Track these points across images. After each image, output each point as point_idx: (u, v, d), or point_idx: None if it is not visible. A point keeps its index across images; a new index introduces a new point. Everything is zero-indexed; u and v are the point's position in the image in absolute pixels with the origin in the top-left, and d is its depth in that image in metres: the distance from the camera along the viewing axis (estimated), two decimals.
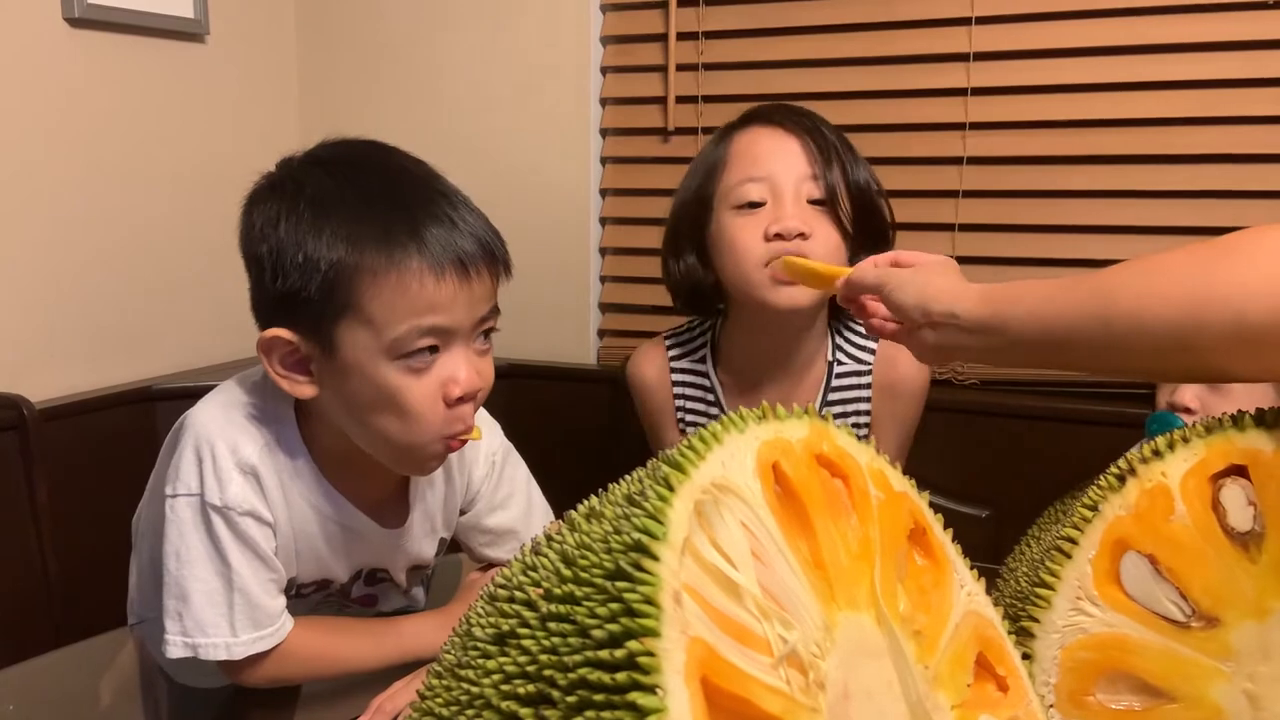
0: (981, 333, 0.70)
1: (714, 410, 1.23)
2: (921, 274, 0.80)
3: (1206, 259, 0.57)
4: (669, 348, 1.27)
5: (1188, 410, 1.11)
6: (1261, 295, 0.53)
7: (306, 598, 0.96)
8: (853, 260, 1.11)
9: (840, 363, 1.21)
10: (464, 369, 0.82)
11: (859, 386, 1.21)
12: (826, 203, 1.10)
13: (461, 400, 0.82)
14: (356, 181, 0.84)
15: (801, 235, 1.07)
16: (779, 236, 1.07)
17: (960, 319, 0.72)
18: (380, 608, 1.02)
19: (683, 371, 1.24)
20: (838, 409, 1.21)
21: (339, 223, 0.79)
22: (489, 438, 0.99)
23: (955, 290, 0.75)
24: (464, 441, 0.85)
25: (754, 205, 1.09)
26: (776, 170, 1.09)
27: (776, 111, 1.14)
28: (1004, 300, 0.70)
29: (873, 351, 1.22)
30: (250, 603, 0.85)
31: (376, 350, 0.79)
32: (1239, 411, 0.55)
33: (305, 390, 0.83)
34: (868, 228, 1.14)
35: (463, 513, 1.01)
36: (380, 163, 0.89)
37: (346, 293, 0.78)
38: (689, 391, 1.24)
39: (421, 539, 0.97)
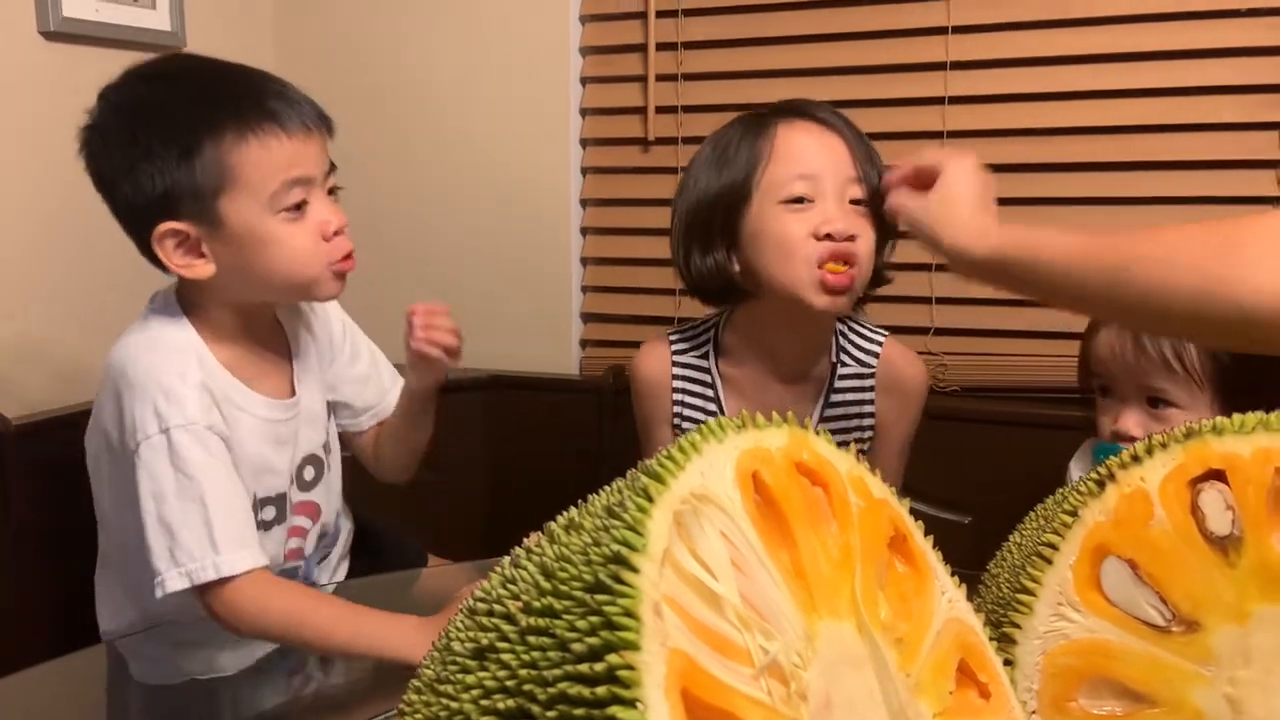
0: (989, 275, 0.74)
1: (711, 406, 1.22)
2: (942, 203, 0.84)
3: (1218, 248, 0.59)
4: (673, 343, 1.25)
5: (1131, 439, 1.11)
6: (1264, 292, 0.54)
7: (268, 531, 1.07)
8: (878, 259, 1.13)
9: (844, 364, 1.21)
10: (329, 210, 1.00)
11: (862, 389, 1.21)
12: (867, 203, 1.09)
13: (337, 233, 1.00)
14: (191, 81, 0.99)
15: (850, 238, 1.07)
16: (829, 237, 1.06)
17: (971, 257, 0.76)
18: (322, 519, 1.14)
19: (684, 366, 1.23)
20: (840, 410, 1.21)
21: (195, 116, 0.94)
22: (333, 305, 1.18)
23: (972, 227, 0.79)
24: (350, 265, 1.02)
25: (801, 201, 1.08)
26: (824, 168, 1.08)
27: (817, 107, 1.13)
28: (1017, 248, 0.72)
29: (876, 355, 1.21)
30: (228, 518, 0.95)
31: (259, 209, 0.95)
32: (1216, 416, 0.55)
33: (204, 270, 0.98)
34: (888, 225, 1.12)
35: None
36: (200, 63, 1.03)
37: (221, 170, 0.94)
38: (689, 387, 1.22)
39: (316, 407, 1.13)
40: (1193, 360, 1.07)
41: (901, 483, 1.25)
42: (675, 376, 1.23)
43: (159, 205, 0.95)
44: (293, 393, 1.10)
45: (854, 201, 1.09)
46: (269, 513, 1.08)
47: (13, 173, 1.46)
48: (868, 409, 1.20)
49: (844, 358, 1.21)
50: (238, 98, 0.96)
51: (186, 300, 1.05)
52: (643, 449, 1.29)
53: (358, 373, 1.20)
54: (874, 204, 1.09)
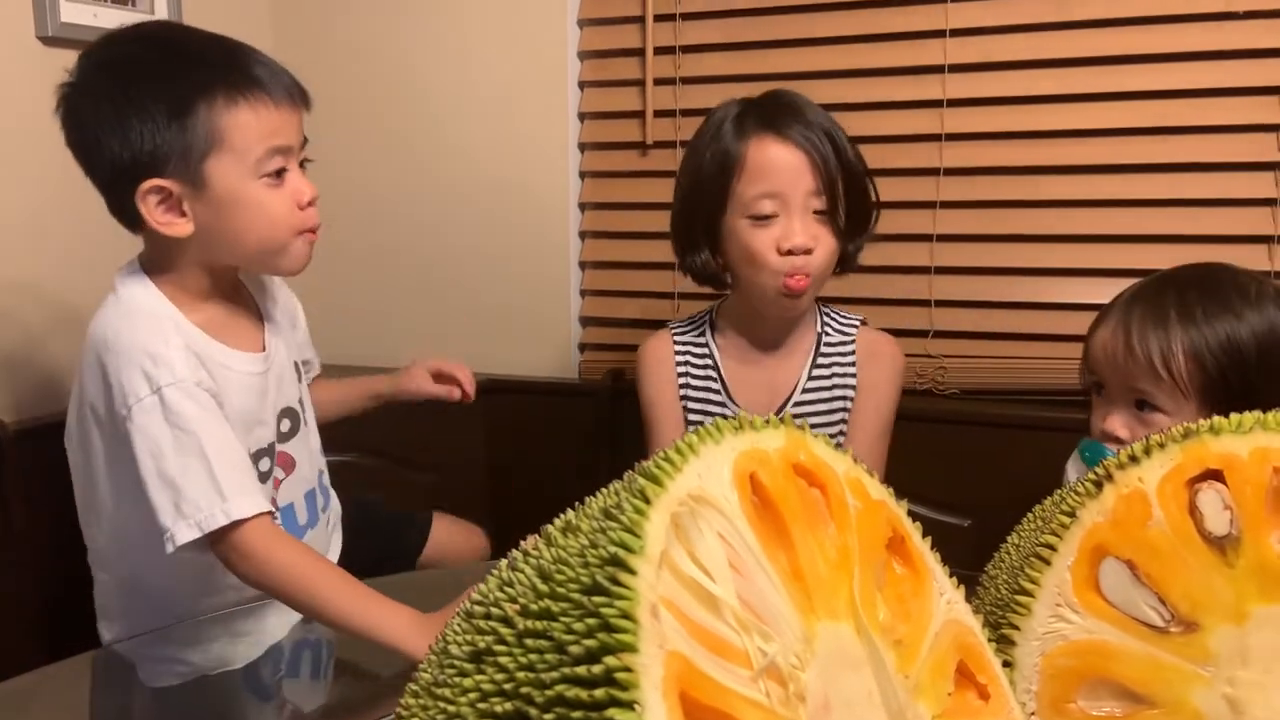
0: None
1: (712, 374, 1.34)
2: None
3: None
4: (674, 330, 1.38)
5: (1117, 440, 1.13)
6: None
7: (265, 483, 1.09)
8: (844, 251, 1.26)
9: (827, 334, 1.35)
10: (304, 181, 1.05)
11: (844, 354, 1.34)
12: (827, 212, 1.22)
13: (310, 204, 1.05)
14: (179, 43, 1.04)
15: (808, 251, 1.21)
16: (790, 251, 1.20)
17: None
18: (301, 473, 1.17)
19: (685, 345, 1.35)
20: (825, 373, 1.33)
21: (187, 77, 0.98)
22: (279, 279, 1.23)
23: None
24: (316, 234, 1.07)
25: (767, 217, 1.21)
26: (788, 186, 1.20)
27: (786, 120, 1.23)
28: None
29: (854, 330, 1.35)
30: (230, 467, 0.97)
31: (244, 173, 1.00)
32: (1214, 416, 0.55)
33: (184, 228, 1.02)
34: (856, 208, 1.25)
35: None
36: (183, 29, 1.10)
37: (210, 132, 0.98)
38: (691, 360, 1.35)
39: (285, 363, 1.17)
40: (1179, 368, 1.07)
41: (884, 469, 1.33)
42: (677, 354, 1.35)
43: (146, 162, 0.98)
44: (264, 348, 1.14)
45: (816, 211, 1.22)
46: (264, 464, 1.12)
47: (11, 176, 1.46)
48: (850, 377, 1.32)
49: (827, 328, 1.34)
50: (227, 63, 1.00)
51: (155, 265, 1.07)
52: (647, 436, 1.35)
53: (301, 338, 1.29)
54: (833, 207, 1.22)
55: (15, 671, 0.90)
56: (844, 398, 1.32)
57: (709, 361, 1.34)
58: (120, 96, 0.98)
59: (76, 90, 1.02)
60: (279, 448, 1.15)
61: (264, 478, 1.10)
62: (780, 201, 1.21)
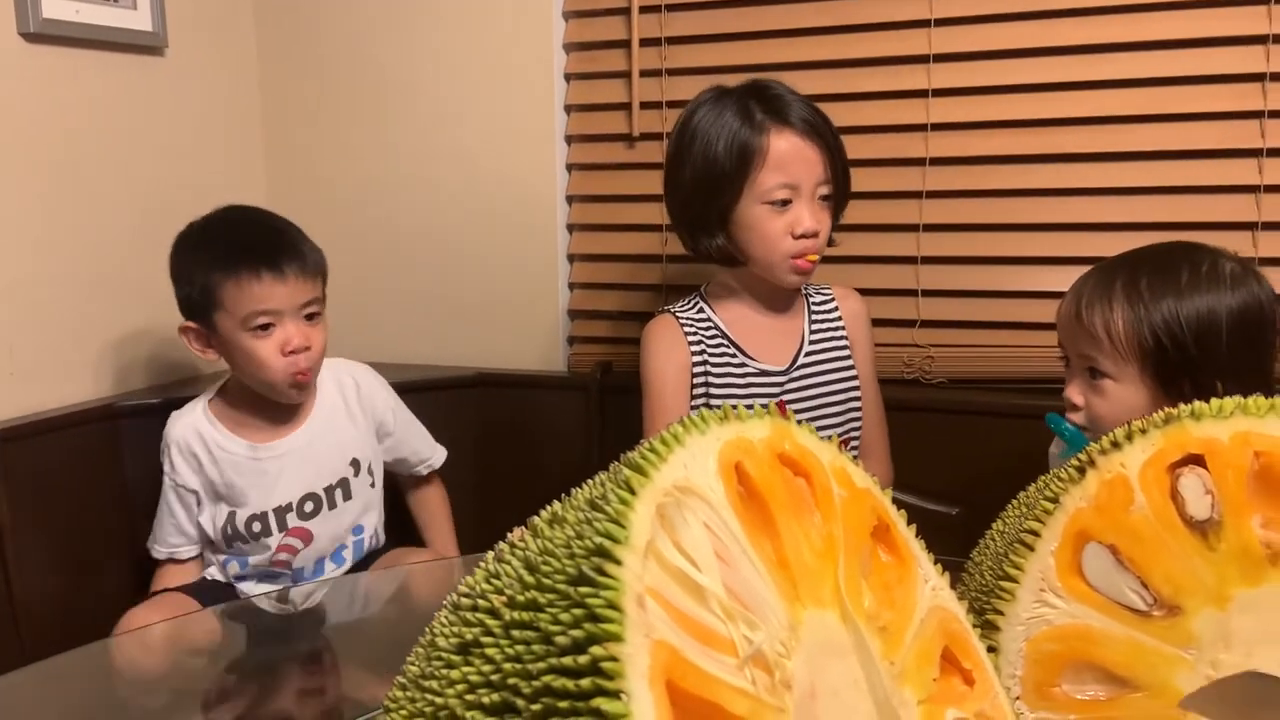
0: None
1: (724, 342, 1.41)
2: None
3: None
4: (675, 311, 1.44)
5: (1075, 406, 1.17)
6: None
7: (257, 540, 1.41)
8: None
9: (810, 295, 1.48)
10: (293, 333, 1.35)
11: (830, 311, 1.47)
12: (832, 198, 1.36)
13: (294, 352, 1.35)
14: (218, 231, 1.39)
15: (816, 234, 1.33)
16: (802, 235, 1.32)
17: None
18: (316, 542, 1.44)
19: (689, 321, 1.43)
20: (822, 329, 1.45)
21: (208, 259, 1.35)
22: (382, 393, 1.56)
23: None
24: (307, 376, 1.37)
25: (784, 205, 1.32)
26: (803, 176, 1.32)
27: (798, 113, 1.33)
28: None
29: (829, 289, 1.50)
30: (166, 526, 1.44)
31: (235, 326, 1.34)
32: (1195, 401, 0.56)
33: (211, 357, 1.42)
34: (844, 193, 1.39)
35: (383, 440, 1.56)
36: (234, 217, 1.42)
37: (214, 297, 1.34)
38: (700, 330, 1.42)
39: (321, 457, 1.45)
40: (1119, 333, 1.11)
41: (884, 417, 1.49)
42: (686, 330, 1.41)
43: (183, 309, 1.39)
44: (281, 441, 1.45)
45: (822, 197, 1.34)
46: (255, 526, 1.42)
47: None
48: (841, 329, 1.47)
49: (807, 291, 1.48)
50: (240, 248, 1.34)
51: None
52: (647, 413, 1.41)
53: (385, 443, 1.56)
54: (837, 194, 1.36)
55: (7, 667, 0.90)
56: (842, 346, 1.45)
57: (715, 331, 1.42)
58: (185, 257, 1.38)
59: (173, 247, 1.40)
60: (298, 522, 1.43)
61: (255, 537, 1.41)
62: (793, 190, 1.32)
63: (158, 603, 1.37)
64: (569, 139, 1.81)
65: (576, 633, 0.36)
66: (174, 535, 1.44)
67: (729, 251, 1.37)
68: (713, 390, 1.39)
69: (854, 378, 1.44)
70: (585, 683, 0.35)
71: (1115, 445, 0.55)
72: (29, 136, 1.49)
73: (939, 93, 1.59)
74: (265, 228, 1.40)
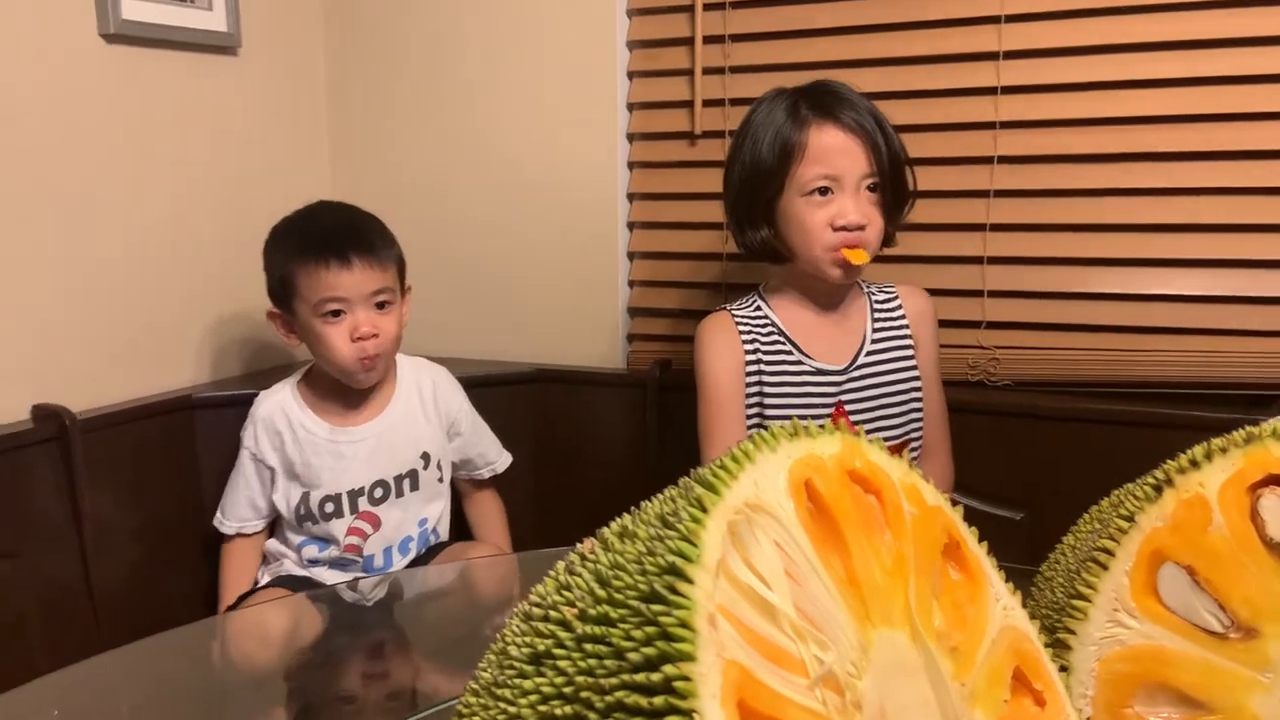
0: None
1: (778, 337, 1.40)
2: None
3: None
4: (730, 309, 1.44)
5: (860, 228, 1.29)
6: None
7: (328, 521, 1.48)
8: (886, 231, 1.36)
9: (874, 294, 1.46)
10: (362, 320, 1.42)
11: (894, 310, 1.45)
12: (878, 192, 1.34)
13: (362, 338, 1.42)
14: (300, 223, 1.47)
15: (860, 227, 1.31)
16: (843, 228, 1.30)
17: None
18: (384, 529, 1.50)
19: (745, 318, 1.42)
20: (885, 328, 1.43)
21: (287, 249, 1.44)
22: (458, 398, 1.63)
23: None
24: (374, 362, 1.44)
25: (824, 196, 1.31)
26: (845, 169, 1.31)
27: (842, 107, 1.33)
28: None
29: (893, 289, 1.47)
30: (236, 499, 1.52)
31: (310, 313, 1.43)
32: (1277, 422, 0.54)
33: (294, 343, 1.51)
34: (896, 192, 1.36)
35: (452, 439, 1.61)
36: (316, 210, 1.49)
37: (292, 285, 1.43)
38: (755, 328, 1.41)
39: (395, 447, 1.51)
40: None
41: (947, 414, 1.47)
42: (741, 328, 1.41)
43: (270, 296, 1.48)
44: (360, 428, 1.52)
45: (869, 190, 1.33)
46: (329, 507, 1.48)
47: (75, 171, 1.49)
48: (905, 328, 1.44)
49: (871, 290, 1.46)
50: (312, 238, 1.43)
51: None
52: (703, 412, 1.40)
53: (455, 443, 1.61)
54: (884, 188, 1.33)
55: (84, 655, 0.93)
56: (906, 345, 1.43)
57: (772, 329, 1.41)
58: (271, 248, 1.47)
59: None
60: (367, 507, 1.49)
61: (326, 518, 1.48)
62: (835, 183, 1.31)
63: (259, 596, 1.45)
64: (630, 137, 1.81)
65: (649, 650, 0.37)
66: (245, 508, 1.50)
67: (774, 246, 1.37)
68: (766, 389, 1.38)
69: (916, 378, 1.42)
70: (658, 700, 0.36)
71: (1194, 464, 0.54)
72: (108, 134, 1.54)
73: (1008, 90, 1.56)
74: (341, 220, 1.47)
